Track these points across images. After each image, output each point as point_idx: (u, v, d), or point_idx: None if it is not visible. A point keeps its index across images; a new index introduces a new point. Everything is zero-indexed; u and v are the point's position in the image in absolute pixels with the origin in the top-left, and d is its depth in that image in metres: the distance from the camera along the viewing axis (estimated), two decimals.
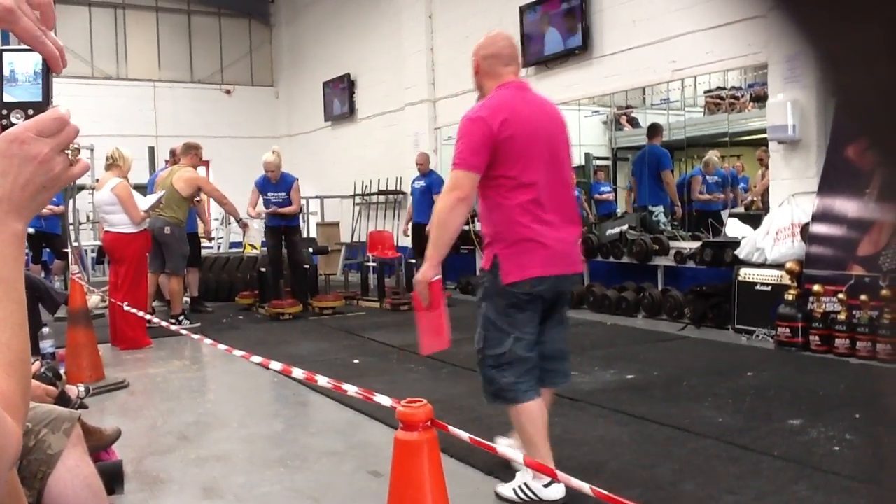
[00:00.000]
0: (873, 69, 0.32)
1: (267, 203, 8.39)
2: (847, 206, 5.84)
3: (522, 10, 9.35)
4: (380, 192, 12.48)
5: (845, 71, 0.34)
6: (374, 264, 9.44)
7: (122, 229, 6.36)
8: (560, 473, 1.42)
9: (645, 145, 9.22)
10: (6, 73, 0.89)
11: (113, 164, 6.44)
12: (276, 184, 8.35)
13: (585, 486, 1.32)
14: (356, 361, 5.79)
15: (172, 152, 8.75)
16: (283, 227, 8.50)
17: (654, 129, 9.13)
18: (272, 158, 8.24)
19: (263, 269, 8.72)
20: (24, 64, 0.89)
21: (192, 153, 7.83)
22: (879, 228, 5.50)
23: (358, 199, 13.08)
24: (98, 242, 9.95)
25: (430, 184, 9.36)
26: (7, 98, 0.88)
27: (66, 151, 0.86)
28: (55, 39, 0.90)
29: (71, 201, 10.06)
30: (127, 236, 6.37)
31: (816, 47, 0.34)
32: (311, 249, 10.11)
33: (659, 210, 8.83)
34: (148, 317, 5.47)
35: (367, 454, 3.64)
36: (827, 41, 0.33)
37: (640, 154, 9.27)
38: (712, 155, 10.02)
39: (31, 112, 0.87)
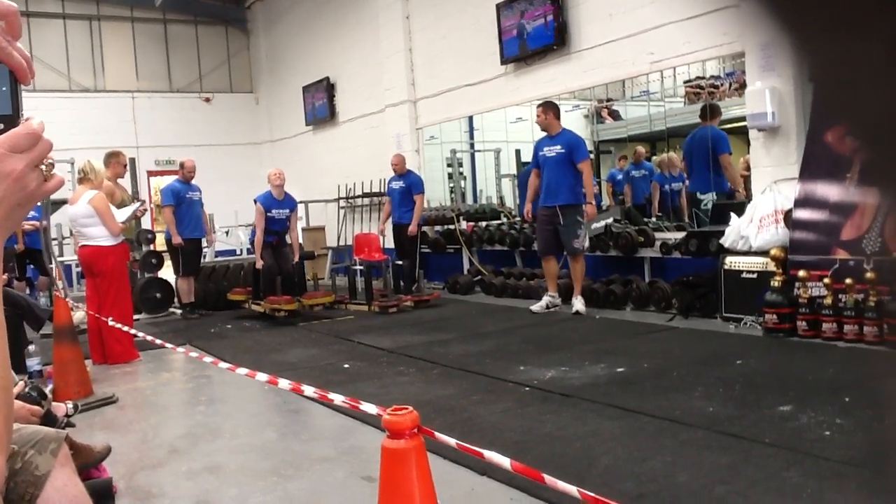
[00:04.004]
0: (851, 53, 0.32)
1: (271, 220, 8.53)
2: (829, 191, 5.87)
3: (499, 7, 9.36)
4: (364, 195, 12.46)
5: (822, 55, 0.33)
6: (362, 267, 9.41)
7: (100, 242, 6.24)
8: (547, 477, 1.41)
9: (699, 125, 8.40)
10: None
11: (84, 177, 6.31)
12: (280, 201, 8.60)
13: (573, 490, 1.31)
14: (346, 366, 5.77)
15: (181, 165, 8.95)
16: (274, 241, 8.73)
17: (712, 110, 8.23)
18: (277, 172, 8.53)
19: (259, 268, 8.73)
20: None
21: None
22: (862, 212, 5.54)
23: (342, 203, 13.05)
24: None
25: (410, 184, 9.36)
26: None
27: (40, 167, 0.84)
28: (22, 49, 0.87)
29: (50, 217, 10.01)
30: (105, 249, 6.26)
31: (792, 33, 0.33)
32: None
33: (708, 198, 8.13)
34: (133, 331, 5.42)
35: (359, 459, 3.63)
36: (802, 26, 0.33)
37: (693, 136, 8.37)
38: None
39: (0, 126, 0.85)
